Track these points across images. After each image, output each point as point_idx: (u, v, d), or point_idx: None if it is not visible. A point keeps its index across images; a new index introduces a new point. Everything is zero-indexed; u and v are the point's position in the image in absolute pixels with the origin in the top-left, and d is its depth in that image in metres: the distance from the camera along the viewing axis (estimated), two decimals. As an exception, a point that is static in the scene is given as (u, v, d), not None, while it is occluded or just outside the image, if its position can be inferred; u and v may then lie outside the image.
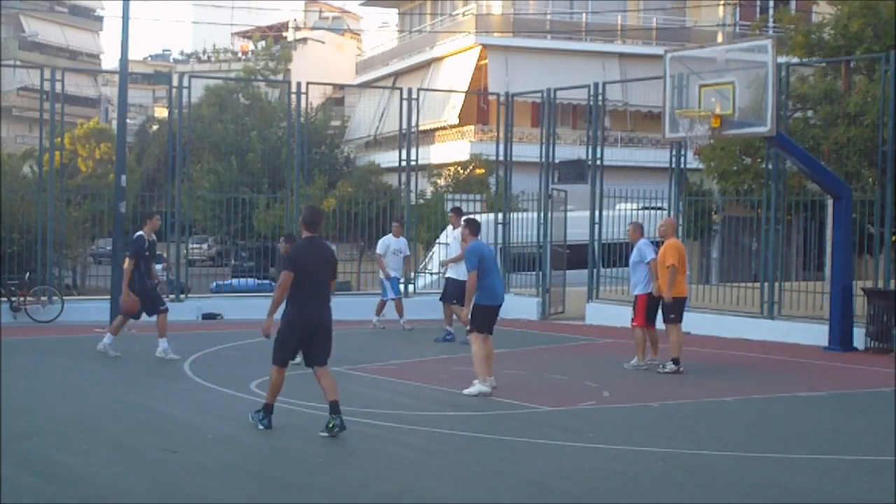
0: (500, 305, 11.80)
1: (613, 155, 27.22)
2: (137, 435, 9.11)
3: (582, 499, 7.41)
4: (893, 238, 17.16)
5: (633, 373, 13.46)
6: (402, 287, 19.14)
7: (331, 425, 8.98)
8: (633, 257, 13.78)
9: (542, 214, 21.45)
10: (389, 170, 33.41)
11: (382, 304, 18.28)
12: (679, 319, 13.48)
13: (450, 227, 18.20)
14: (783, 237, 18.57)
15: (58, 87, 19.41)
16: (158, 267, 30.39)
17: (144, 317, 18.81)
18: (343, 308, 20.44)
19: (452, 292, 16.23)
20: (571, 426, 9.81)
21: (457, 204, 21.76)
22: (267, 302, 21.76)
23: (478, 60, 38.86)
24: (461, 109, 38.35)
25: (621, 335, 17.40)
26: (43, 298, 18.57)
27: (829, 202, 17.41)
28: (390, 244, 18.13)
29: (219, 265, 40.35)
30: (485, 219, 23.99)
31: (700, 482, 7.85)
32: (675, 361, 13.35)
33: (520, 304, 20.90)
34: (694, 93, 15.13)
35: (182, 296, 20.06)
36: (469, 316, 11.55)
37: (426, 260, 24.72)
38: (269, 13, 73.04)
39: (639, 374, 13.35)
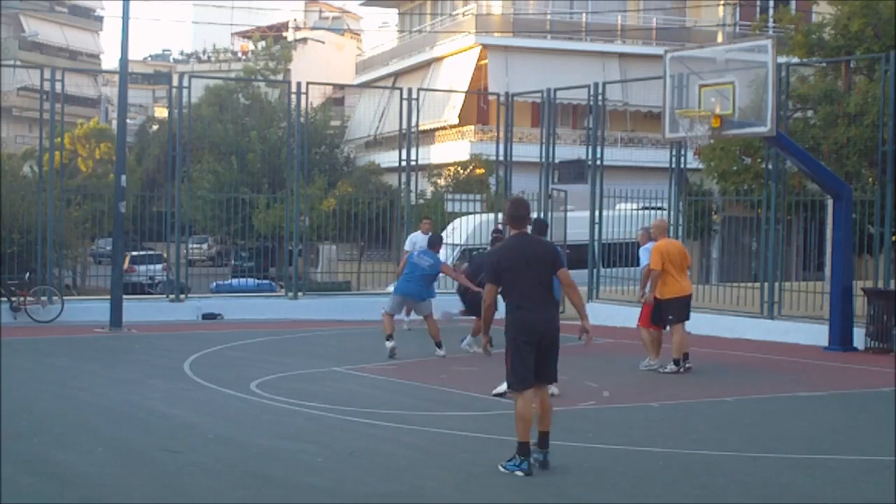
0: None
1: (613, 155, 27.22)
2: (137, 435, 9.11)
3: (582, 499, 7.42)
4: (893, 238, 17.16)
5: (632, 373, 13.46)
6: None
7: (532, 458, 7.93)
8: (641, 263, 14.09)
9: (541, 214, 21.43)
10: (389, 170, 33.42)
11: None
12: (679, 319, 13.42)
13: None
14: (783, 237, 18.58)
15: (58, 87, 19.41)
16: (158, 267, 30.58)
17: (142, 317, 18.95)
18: (343, 308, 20.60)
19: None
20: (571, 426, 9.80)
21: (449, 205, 21.67)
22: (267, 302, 21.89)
23: (478, 60, 38.87)
24: (461, 109, 38.36)
25: (621, 335, 17.42)
26: (43, 298, 18.57)
27: (829, 202, 17.41)
28: (417, 241, 17.72)
29: (219, 265, 40.37)
30: (485, 219, 24.07)
31: (700, 482, 7.84)
32: (676, 362, 13.34)
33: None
34: (694, 93, 15.13)
35: (182, 296, 20.06)
36: None
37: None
38: (269, 13, 73.10)
39: (639, 374, 13.35)
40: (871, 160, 19.18)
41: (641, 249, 14.11)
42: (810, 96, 21.16)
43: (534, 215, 21.99)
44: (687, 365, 13.42)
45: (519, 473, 7.85)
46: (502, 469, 7.93)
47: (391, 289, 18.63)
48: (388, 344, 14.47)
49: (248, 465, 8.01)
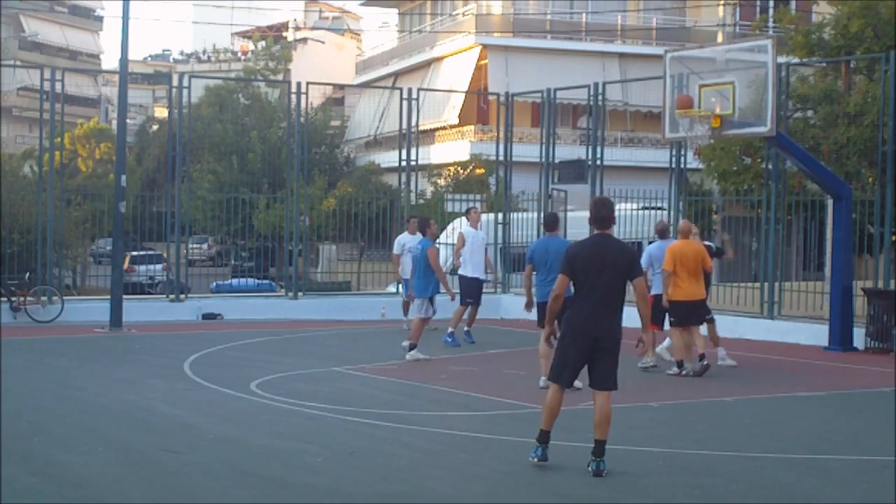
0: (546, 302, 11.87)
1: (613, 155, 27.22)
2: (137, 435, 9.11)
3: (582, 499, 7.42)
4: (893, 238, 17.16)
5: (632, 372, 13.39)
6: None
7: (588, 467, 7.90)
8: None
9: (542, 214, 21.43)
10: (389, 170, 33.43)
11: (405, 304, 17.66)
12: (677, 323, 13.39)
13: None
14: (783, 237, 18.57)
15: (58, 87, 19.40)
16: (158, 267, 30.60)
17: (142, 317, 18.93)
18: (343, 308, 20.60)
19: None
20: (571, 426, 9.79)
21: (448, 205, 21.67)
22: (267, 302, 21.88)
23: (478, 60, 38.88)
24: (461, 109, 38.37)
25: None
26: (43, 298, 18.56)
27: (829, 202, 17.41)
28: (405, 242, 17.48)
29: (219, 265, 40.38)
30: (485, 219, 24.04)
31: (700, 482, 7.84)
32: (679, 364, 13.31)
33: (520, 304, 20.81)
34: (694, 93, 15.12)
35: (182, 296, 20.06)
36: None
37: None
38: (269, 13, 73.10)
39: (638, 374, 13.33)
40: (871, 160, 19.18)
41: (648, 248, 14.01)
42: (810, 96, 21.16)
43: (532, 215, 22.12)
44: (683, 371, 13.36)
45: (533, 459, 7.96)
46: (531, 460, 8.02)
47: (392, 289, 18.70)
48: (408, 355, 14.15)
49: (248, 465, 8.01)
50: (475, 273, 16.46)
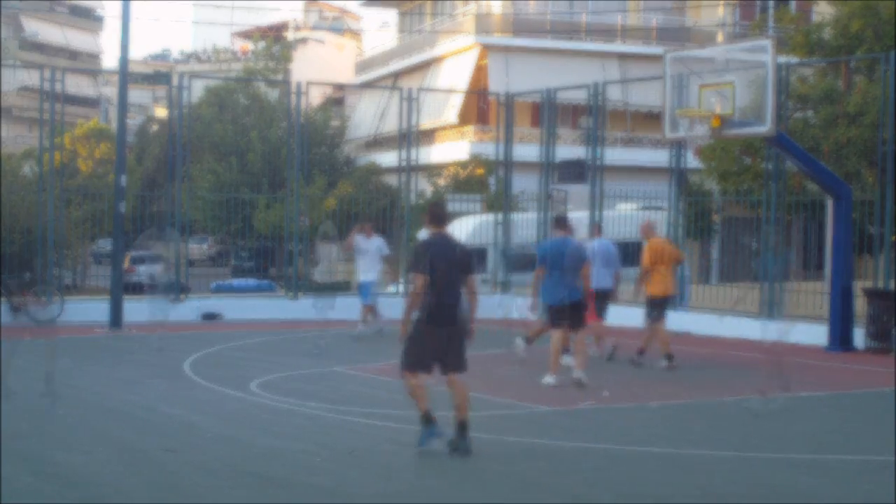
0: (564, 304, 12.08)
1: (613, 155, 27.21)
2: (137, 435, 9.11)
3: (582, 499, 7.42)
4: (893, 238, 17.16)
5: (632, 372, 13.48)
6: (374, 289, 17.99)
7: (451, 445, 8.47)
8: None
9: (542, 214, 21.44)
10: (389, 170, 33.42)
11: (366, 308, 17.69)
12: (658, 318, 13.92)
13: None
14: (783, 237, 18.58)
15: (58, 87, 19.41)
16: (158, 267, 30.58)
17: (142, 317, 18.91)
18: (342, 308, 20.56)
19: None
20: (571, 426, 9.81)
21: (449, 205, 21.83)
22: (267, 302, 21.82)
23: (478, 60, 38.86)
24: (461, 109, 38.34)
25: (621, 335, 17.39)
26: (43, 298, 18.55)
27: (829, 202, 17.41)
28: (358, 245, 17.56)
29: (219, 265, 40.40)
30: (485, 219, 24.08)
31: (700, 482, 7.84)
32: (668, 357, 13.68)
33: (519, 304, 20.87)
34: (694, 93, 15.14)
35: (182, 296, 20.06)
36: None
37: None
38: (269, 13, 73.18)
39: (638, 374, 13.35)
40: (871, 160, 19.18)
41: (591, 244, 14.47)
42: (810, 96, 21.16)
43: (532, 215, 22.11)
44: (673, 363, 13.68)
45: (435, 442, 8.35)
46: (434, 446, 8.38)
47: (392, 289, 18.72)
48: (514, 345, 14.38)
49: (248, 465, 8.01)
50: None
